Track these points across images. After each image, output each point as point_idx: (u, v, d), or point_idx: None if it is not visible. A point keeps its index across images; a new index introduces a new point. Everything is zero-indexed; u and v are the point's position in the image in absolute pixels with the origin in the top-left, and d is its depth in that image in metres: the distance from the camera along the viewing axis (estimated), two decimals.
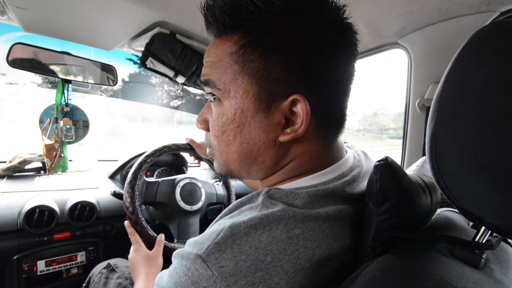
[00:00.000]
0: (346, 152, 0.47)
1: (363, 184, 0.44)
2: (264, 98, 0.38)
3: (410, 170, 0.54)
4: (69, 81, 1.31)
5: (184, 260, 0.34)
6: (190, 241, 0.37)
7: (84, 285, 0.92)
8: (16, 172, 1.18)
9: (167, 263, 0.45)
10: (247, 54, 0.37)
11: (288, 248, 0.32)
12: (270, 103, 0.38)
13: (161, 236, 0.86)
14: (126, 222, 0.85)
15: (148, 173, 1.42)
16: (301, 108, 0.36)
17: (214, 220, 0.43)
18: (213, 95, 0.42)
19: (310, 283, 0.32)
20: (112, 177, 1.32)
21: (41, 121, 1.33)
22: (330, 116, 0.41)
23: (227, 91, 0.39)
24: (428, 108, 0.87)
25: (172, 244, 0.89)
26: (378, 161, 0.37)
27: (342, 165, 0.43)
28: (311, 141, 0.40)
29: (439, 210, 0.50)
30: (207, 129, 0.46)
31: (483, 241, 0.34)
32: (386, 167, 0.36)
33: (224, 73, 0.39)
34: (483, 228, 0.34)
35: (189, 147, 1.04)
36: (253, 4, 0.35)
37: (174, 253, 0.38)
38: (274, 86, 0.37)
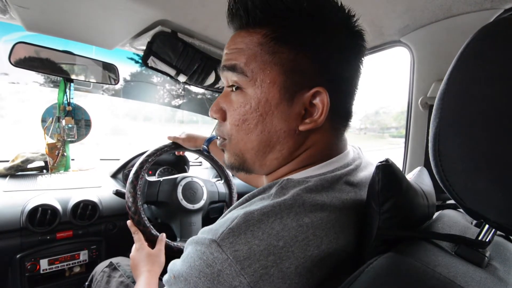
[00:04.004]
0: None
1: (363, 173, 0.47)
2: (289, 88, 0.40)
3: (408, 178, 0.54)
4: (71, 80, 1.31)
5: (199, 245, 0.35)
6: (204, 229, 0.38)
7: (86, 283, 0.93)
8: (18, 171, 1.18)
9: (169, 262, 0.45)
10: (277, 46, 0.40)
11: (298, 235, 0.33)
12: (294, 93, 0.41)
13: (163, 235, 0.86)
14: (128, 222, 0.85)
15: (150, 172, 1.42)
16: (320, 100, 0.40)
17: (224, 213, 0.43)
18: (234, 84, 0.43)
19: (317, 270, 0.33)
20: (114, 176, 1.33)
21: (44, 120, 1.34)
22: (342, 110, 0.44)
23: (254, 79, 0.41)
24: (431, 106, 0.87)
25: (174, 243, 0.89)
26: (379, 162, 0.38)
27: (346, 156, 0.46)
28: (325, 131, 0.43)
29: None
30: (223, 118, 0.47)
31: (487, 240, 0.34)
32: (387, 167, 0.37)
33: (253, 61, 0.41)
34: (486, 226, 0.34)
35: (175, 145, 1.01)
36: (283, 3, 0.39)
37: (188, 241, 0.39)
38: (299, 78, 0.40)
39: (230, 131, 0.45)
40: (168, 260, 0.79)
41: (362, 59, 0.45)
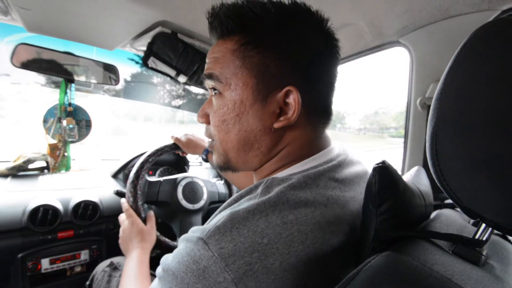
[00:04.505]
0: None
1: (349, 170, 0.48)
2: (261, 89, 0.43)
3: (405, 178, 0.54)
4: (72, 81, 1.31)
5: (188, 242, 0.37)
6: (194, 228, 0.40)
7: (87, 283, 0.93)
8: (20, 171, 1.19)
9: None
10: (247, 51, 0.43)
11: (283, 232, 0.35)
12: (267, 94, 0.43)
13: (151, 212, 0.89)
14: (122, 199, 0.88)
15: (150, 172, 1.42)
16: (293, 98, 0.42)
17: (214, 213, 0.45)
18: (214, 89, 0.46)
19: (302, 265, 0.34)
20: (115, 176, 1.33)
21: (45, 121, 1.34)
22: (318, 107, 0.46)
23: (228, 84, 0.45)
24: (429, 106, 0.87)
25: (175, 243, 0.89)
26: (376, 164, 0.38)
27: (329, 152, 0.48)
28: (302, 128, 0.45)
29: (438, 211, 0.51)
30: (207, 122, 0.50)
31: (484, 238, 0.34)
32: (384, 169, 0.37)
33: (226, 67, 0.44)
34: (483, 225, 0.35)
35: (175, 146, 1.00)
36: (252, 12, 0.42)
37: (180, 238, 0.41)
38: (270, 79, 0.43)
39: (214, 132, 0.49)
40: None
41: (337, 58, 0.47)
